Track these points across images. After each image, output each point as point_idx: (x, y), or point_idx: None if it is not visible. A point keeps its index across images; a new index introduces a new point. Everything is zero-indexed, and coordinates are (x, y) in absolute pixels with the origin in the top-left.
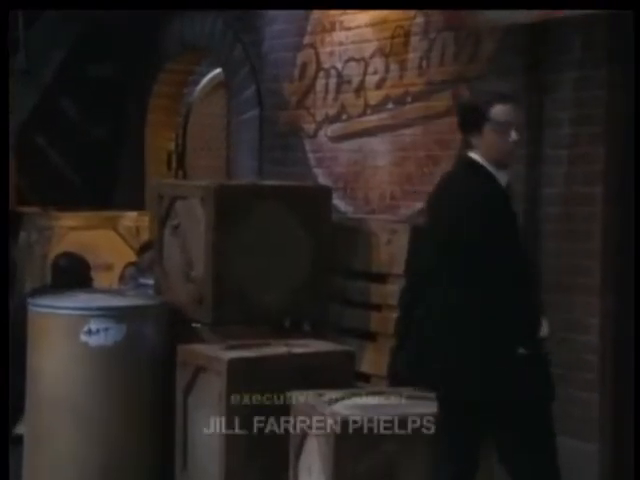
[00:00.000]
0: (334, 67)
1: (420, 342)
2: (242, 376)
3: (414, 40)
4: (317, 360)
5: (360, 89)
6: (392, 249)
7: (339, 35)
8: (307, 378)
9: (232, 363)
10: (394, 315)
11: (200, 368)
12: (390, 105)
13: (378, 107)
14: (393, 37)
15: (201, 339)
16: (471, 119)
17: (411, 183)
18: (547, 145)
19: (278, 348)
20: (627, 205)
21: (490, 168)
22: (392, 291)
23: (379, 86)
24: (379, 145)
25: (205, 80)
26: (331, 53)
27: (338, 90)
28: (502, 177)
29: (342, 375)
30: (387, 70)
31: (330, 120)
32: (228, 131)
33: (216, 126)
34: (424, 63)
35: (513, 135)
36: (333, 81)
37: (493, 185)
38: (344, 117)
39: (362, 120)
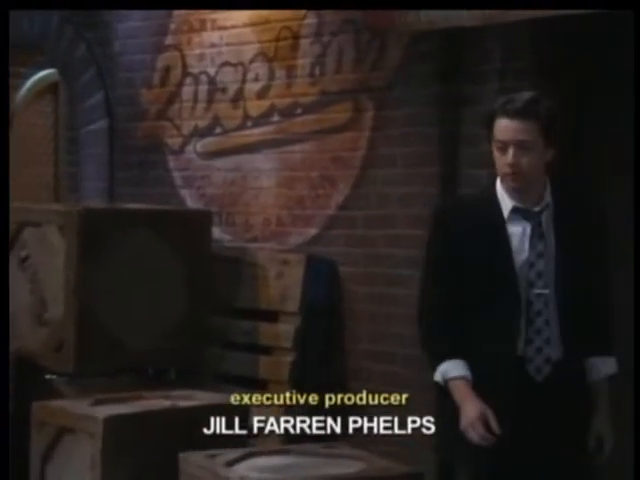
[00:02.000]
0: (205, 72)
1: None
2: (121, 437)
3: (304, 43)
4: (206, 414)
5: (238, 98)
6: (284, 283)
7: (211, 35)
8: (194, 435)
9: (109, 422)
10: (288, 359)
11: (64, 429)
12: (275, 117)
13: (261, 119)
14: (278, 39)
15: (59, 393)
16: (485, 129)
17: (302, 207)
18: (464, 164)
19: (157, 402)
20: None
21: (500, 189)
22: (285, 331)
23: (262, 95)
24: (262, 163)
25: (29, 84)
26: (201, 56)
27: (210, 99)
28: (508, 202)
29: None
30: (271, 77)
31: (200, 133)
32: (56, 144)
33: (42, 138)
34: (317, 70)
35: (509, 157)
36: (204, 88)
37: (473, 207)
38: (218, 130)
39: (241, 134)
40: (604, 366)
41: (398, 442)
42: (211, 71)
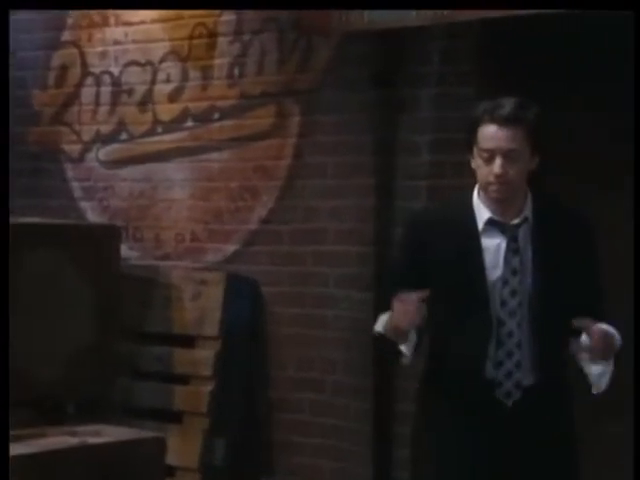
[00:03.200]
0: (108, 72)
1: None
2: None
3: (222, 42)
4: (120, 452)
5: (146, 101)
6: (201, 304)
7: (115, 32)
8: (107, 475)
9: (12, 462)
10: (206, 388)
11: None
12: (190, 122)
13: (173, 124)
14: (192, 37)
15: None
16: (467, 136)
17: (220, 221)
18: (401, 175)
19: (63, 439)
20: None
21: (477, 199)
22: (203, 358)
23: (174, 98)
24: (174, 173)
25: None
26: (103, 54)
27: (115, 102)
28: (484, 213)
29: (150, 469)
30: (184, 78)
31: (103, 140)
32: None
33: None
34: (236, 71)
35: (496, 166)
36: (107, 90)
37: (444, 217)
38: (124, 136)
39: (150, 140)
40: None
41: None
42: (115, 71)
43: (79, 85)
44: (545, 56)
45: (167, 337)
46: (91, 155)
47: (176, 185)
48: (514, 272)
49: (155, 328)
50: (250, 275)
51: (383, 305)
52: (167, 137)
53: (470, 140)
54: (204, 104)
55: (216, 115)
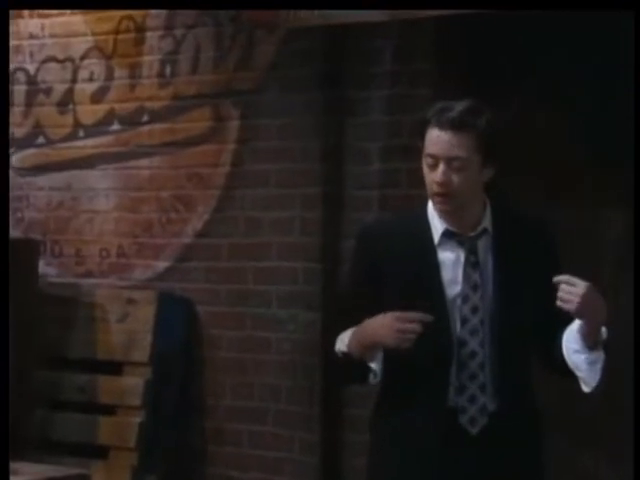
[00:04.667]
0: (22, 69)
1: None
2: None
3: (151, 37)
4: None
5: (67, 102)
6: (129, 327)
7: (30, 24)
8: None
9: None
10: (135, 420)
11: None
12: (115, 125)
13: (96, 128)
14: (118, 32)
15: None
16: (418, 140)
17: (150, 234)
18: (351, 184)
19: None
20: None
21: (432, 209)
22: (131, 386)
23: (98, 99)
24: (98, 181)
25: None
26: (17, 49)
27: (30, 102)
28: (439, 225)
29: None
30: (110, 77)
31: (18, 144)
32: None
33: None
34: (167, 69)
35: (438, 174)
36: (21, 89)
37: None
38: (41, 140)
39: (71, 145)
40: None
41: None
42: (30, 68)
43: None
44: (506, 55)
45: (91, 363)
46: None
47: (100, 195)
48: (474, 287)
49: (77, 353)
50: (184, 294)
51: (332, 326)
52: (90, 142)
53: (419, 145)
54: (132, 105)
55: (145, 118)
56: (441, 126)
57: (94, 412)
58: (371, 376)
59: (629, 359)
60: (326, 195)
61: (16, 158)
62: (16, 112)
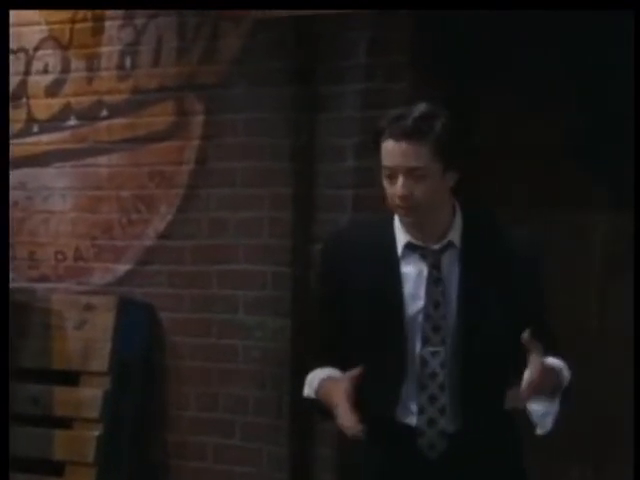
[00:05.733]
0: None
1: None
2: None
3: (110, 27)
4: None
5: (20, 95)
6: (87, 334)
7: None
8: None
9: None
10: (93, 433)
11: None
12: (72, 121)
13: (51, 123)
14: (74, 21)
15: None
16: (373, 152)
17: (110, 236)
18: (323, 183)
19: None
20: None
21: (397, 221)
22: (89, 397)
23: (53, 92)
24: (54, 179)
25: None
26: None
27: None
28: (402, 236)
29: None
30: (66, 69)
31: None
32: None
33: None
34: (127, 61)
35: (398, 187)
36: None
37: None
38: None
39: (24, 141)
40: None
41: None
42: None
43: None
44: (485, 50)
45: (45, 373)
46: None
47: (56, 194)
48: (436, 305)
49: (31, 362)
50: (145, 299)
51: (302, 335)
52: (45, 137)
53: (376, 157)
54: (89, 99)
55: (104, 112)
56: (396, 137)
57: (49, 425)
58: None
59: (629, 358)
60: (296, 195)
61: None
62: None
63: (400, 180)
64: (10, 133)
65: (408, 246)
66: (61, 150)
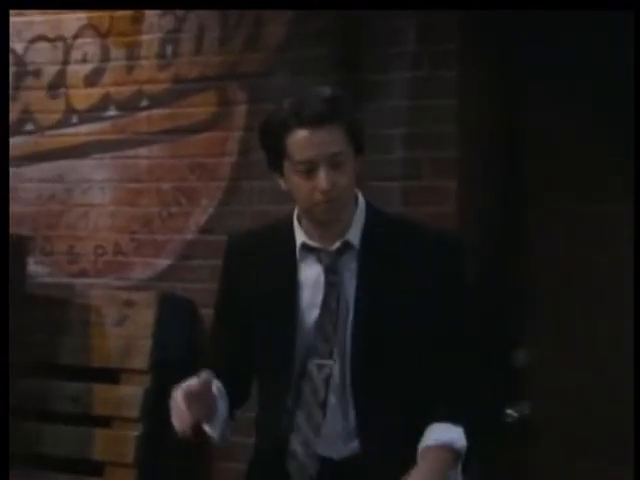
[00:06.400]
0: (9, 49)
1: None
2: None
3: (151, 15)
4: None
5: (58, 85)
6: (127, 331)
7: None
8: None
9: None
10: (134, 432)
11: None
12: (112, 111)
13: (90, 113)
14: (114, 8)
15: None
16: (268, 152)
17: (150, 229)
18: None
19: None
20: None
21: (299, 226)
22: (129, 396)
23: (92, 82)
24: (93, 172)
25: None
26: None
27: (18, 85)
28: (299, 235)
29: None
30: (105, 58)
31: None
32: None
33: None
34: (169, 50)
35: (321, 180)
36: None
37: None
38: (29, 127)
39: (62, 132)
40: (440, 432)
41: None
42: (18, 47)
43: None
44: (534, 41)
45: (84, 371)
46: None
47: (95, 187)
48: (330, 312)
49: (70, 360)
50: (187, 295)
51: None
52: (84, 129)
53: (275, 154)
54: (129, 89)
55: (144, 102)
56: (306, 124)
57: (88, 424)
58: (212, 439)
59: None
60: None
61: None
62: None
63: (322, 171)
64: (48, 124)
65: (304, 247)
66: (100, 141)
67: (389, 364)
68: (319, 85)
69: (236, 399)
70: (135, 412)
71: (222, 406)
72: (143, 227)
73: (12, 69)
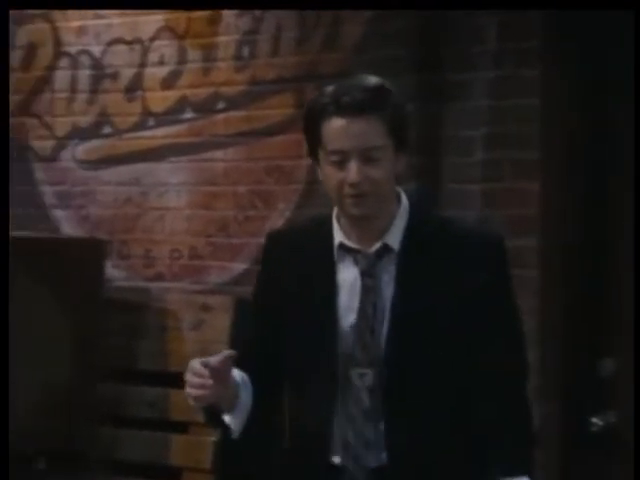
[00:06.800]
0: (87, 52)
1: None
2: None
3: (228, 15)
4: None
5: (135, 88)
6: (204, 335)
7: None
8: None
9: None
10: (211, 437)
11: None
12: (188, 114)
13: (167, 116)
14: (191, 9)
15: None
16: (307, 140)
17: (226, 233)
18: (449, 179)
19: None
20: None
21: (338, 225)
22: None
23: (169, 84)
24: (169, 175)
25: None
26: (81, 30)
27: (95, 88)
28: (337, 235)
29: None
30: (182, 60)
31: (81, 135)
32: None
33: None
34: (245, 51)
35: (351, 172)
36: (85, 73)
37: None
38: (107, 130)
39: (139, 135)
40: None
41: None
42: (96, 50)
43: (51, 68)
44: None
45: (161, 376)
46: (66, 153)
47: (171, 190)
48: (367, 319)
49: (147, 365)
50: None
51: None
52: (160, 131)
53: (313, 142)
54: (206, 91)
55: (220, 105)
56: (344, 112)
57: (165, 429)
58: (230, 432)
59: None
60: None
61: (80, 150)
62: (80, 99)
63: (353, 164)
64: (125, 127)
65: (342, 247)
66: (176, 144)
67: (423, 374)
68: (397, 86)
69: (263, 398)
70: None
71: (245, 398)
72: (219, 231)
73: (89, 72)
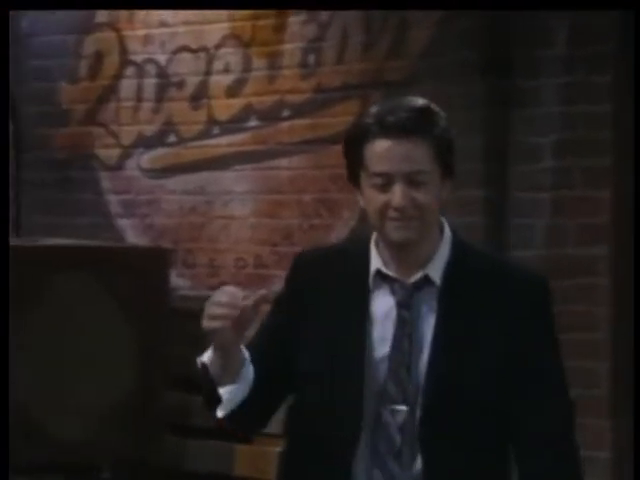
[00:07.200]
0: (152, 60)
1: None
2: None
3: (293, 23)
4: None
5: (200, 96)
6: None
7: (161, 12)
8: None
9: None
10: (276, 448)
11: None
12: (253, 122)
13: (232, 124)
14: (256, 17)
15: None
16: (348, 162)
17: (291, 241)
18: (517, 187)
19: None
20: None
21: (376, 250)
22: None
23: (234, 92)
24: (234, 183)
25: None
26: (147, 38)
27: (161, 97)
28: (375, 261)
29: None
30: (247, 68)
31: (147, 143)
32: None
33: None
34: (311, 59)
35: (396, 195)
36: (151, 82)
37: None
38: (172, 139)
39: (204, 144)
40: None
41: None
42: (161, 59)
43: (117, 76)
44: None
45: None
46: (132, 162)
47: (236, 199)
48: (402, 353)
49: None
50: None
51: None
52: (225, 140)
53: (354, 165)
54: (271, 99)
55: (286, 112)
56: (389, 133)
57: (230, 439)
58: (218, 409)
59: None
60: (488, 198)
61: (145, 159)
62: (145, 108)
63: (398, 187)
64: (190, 136)
65: (378, 275)
66: (241, 152)
67: (462, 413)
68: (465, 93)
69: (262, 398)
70: (277, 427)
71: (247, 375)
72: (284, 239)
73: (155, 80)
